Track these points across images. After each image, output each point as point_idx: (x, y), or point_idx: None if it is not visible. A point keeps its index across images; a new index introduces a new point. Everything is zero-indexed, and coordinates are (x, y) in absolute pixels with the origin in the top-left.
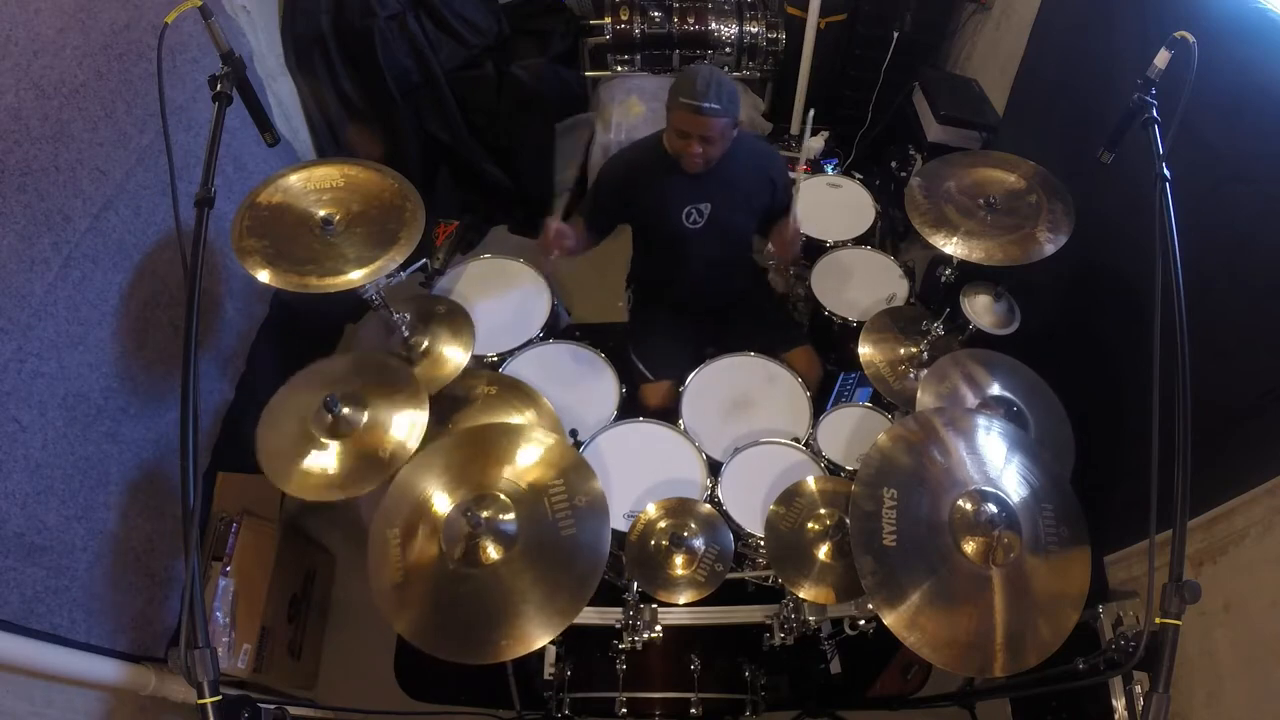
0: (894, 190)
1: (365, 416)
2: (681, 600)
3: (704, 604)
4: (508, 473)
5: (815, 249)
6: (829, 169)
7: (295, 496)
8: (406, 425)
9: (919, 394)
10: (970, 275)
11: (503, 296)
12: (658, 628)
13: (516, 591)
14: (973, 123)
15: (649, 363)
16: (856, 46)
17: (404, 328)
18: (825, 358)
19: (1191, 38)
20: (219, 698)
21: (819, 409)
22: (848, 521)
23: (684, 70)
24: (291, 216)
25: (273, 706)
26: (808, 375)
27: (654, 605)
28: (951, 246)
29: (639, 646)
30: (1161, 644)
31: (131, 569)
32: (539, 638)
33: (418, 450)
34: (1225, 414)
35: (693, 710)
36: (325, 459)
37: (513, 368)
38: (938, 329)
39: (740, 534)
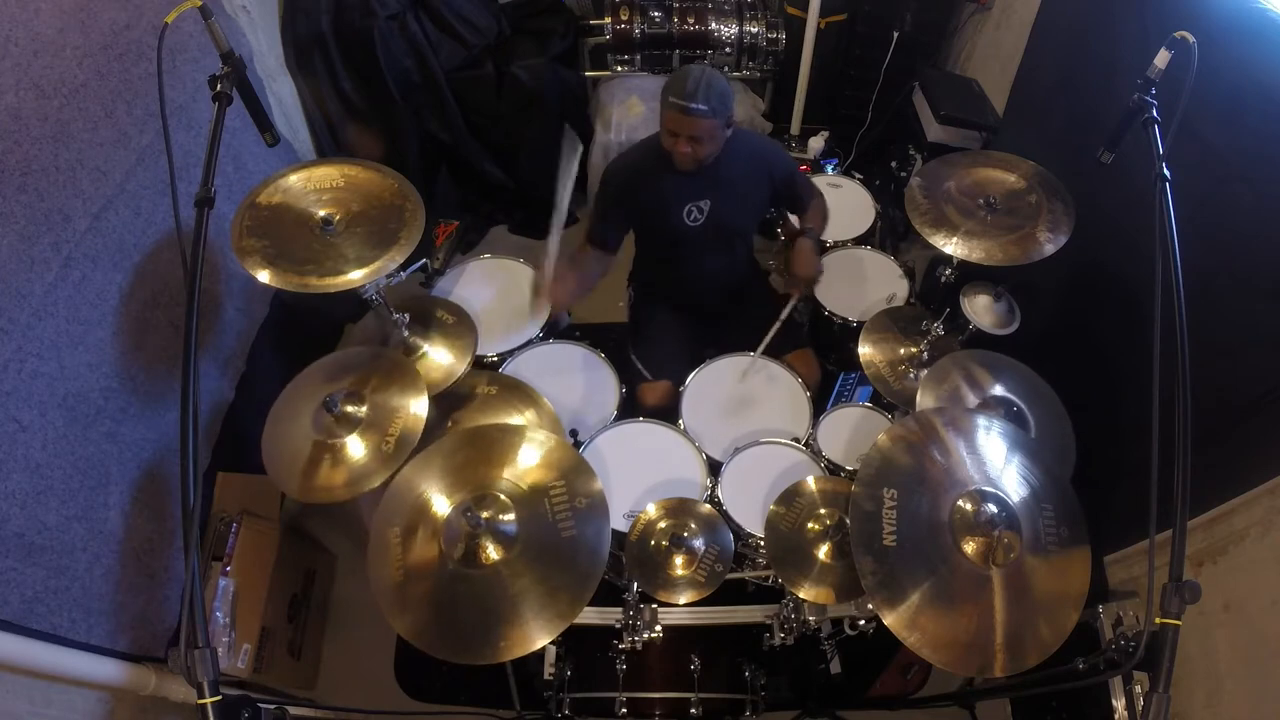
0: (894, 190)
1: (365, 410)
2: (681, 600)
3: (704, 604)
4: (508, 474)
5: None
6: (829, 169)
7: (310, 501)
8: (408, 412)
9: (919, 394)
10: (970, 275)
11: (503, 296)
12: (658, 628)
13: (516, 592)
14: (973, 123)
15: (649, 363)
16: (856, 46)
17: (403, 328)
18: (825, 358)
19: (1191, 38)
20: (219, 698)
21: (819, 409)
22: (848, 521)
23: (678, 69)
24: (291, 216)
25: (273, 706)
26: (807, 378)
27: (654, 605)
28: (951, 246)
29: (639, 646)
30: (1161, 644)
31: (131, 569)
32: (538, 638)
33: (418, 449)
34: (1225, 413)
35: (693, 710)
36: (333, 459)
37: (513, 368)
38: (938, 329)
39: (740, 534)
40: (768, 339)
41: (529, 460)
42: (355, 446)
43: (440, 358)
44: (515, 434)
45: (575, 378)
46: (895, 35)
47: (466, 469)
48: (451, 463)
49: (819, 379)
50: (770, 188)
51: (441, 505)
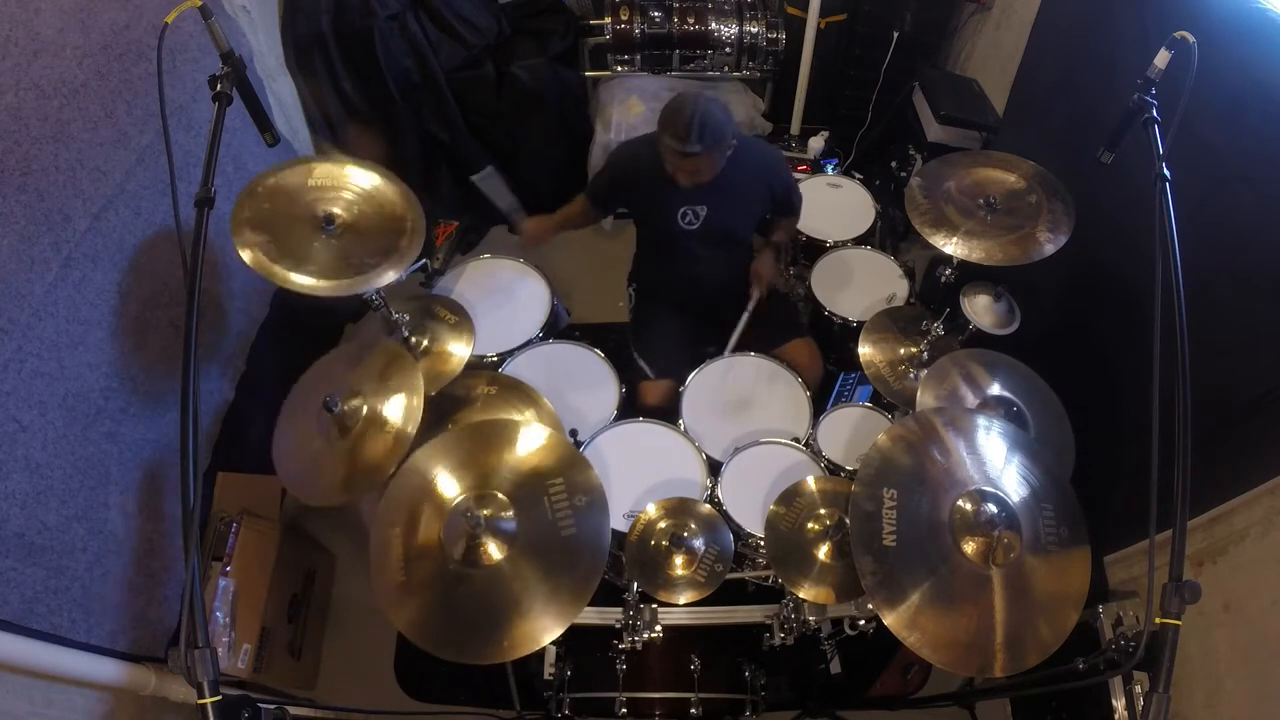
0: (894, 190)
1: (364, 408)
2: (681, 600)
3: (704, 604)
4: (509, 458)
5: (815, 249)
6: (829, 169)
7: (320, 505)
8: (401, 408)
9: (919, 394)
10: (970, 275)
11: (503, 296)
12: (658, 628)
13: (517, 592)
14: (973, 123)
15: (651, 361)
16: (856, 46)
17: (404, 328)
18: (825, 357)
19: (1191, 38)
20: (219, 698)
21: (819, 409)
22: (848, 521)
23: (672, 102)
24: (292, 216)
25: (273, 706)
26: (809, 368)
27: (654, 605)
28: (951, 246)
29: (639, 646)
30: (1161, 644)
31: (131, 569)
32: (540, 638)
33: (417, 446)
34: (1225, 414)
35: (693, 710)
36: (337, 459)
37: (513, 368)
38: (938, 329)
39: (740, 534)
40: (734, 338)
41: (530, 444)
42: (363, 443)
43: (441, 357)
44: (514, 424)
45: (575, 377)
46: (895, 35)
47: (468, 458)
48: (453, 453)
49: (821, 371)
50: (770, 198)
51: (448, 487)
